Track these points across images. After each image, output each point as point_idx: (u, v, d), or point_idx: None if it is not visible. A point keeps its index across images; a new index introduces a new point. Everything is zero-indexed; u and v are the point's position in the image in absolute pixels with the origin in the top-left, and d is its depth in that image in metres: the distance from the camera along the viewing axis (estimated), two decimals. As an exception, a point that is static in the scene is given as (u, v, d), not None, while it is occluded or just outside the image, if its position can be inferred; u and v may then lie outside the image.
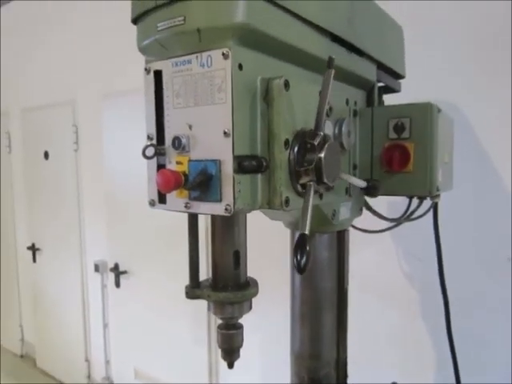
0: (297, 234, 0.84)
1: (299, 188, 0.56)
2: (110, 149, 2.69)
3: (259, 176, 0.53)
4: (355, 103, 0.77)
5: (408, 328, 1.51)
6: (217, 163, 0.50)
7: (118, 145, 2.61)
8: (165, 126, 0.55)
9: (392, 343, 1.55)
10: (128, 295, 2.71)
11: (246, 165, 0.50)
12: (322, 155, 0.53)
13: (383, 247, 1.49)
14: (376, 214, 0.96)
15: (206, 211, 0.52)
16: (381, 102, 0.94)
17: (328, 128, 0.63)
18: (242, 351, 0.69)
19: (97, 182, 2.82)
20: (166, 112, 0.55)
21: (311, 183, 0.55)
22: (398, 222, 0.97)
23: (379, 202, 0.99)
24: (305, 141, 0.54)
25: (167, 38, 0.52)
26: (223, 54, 0.49)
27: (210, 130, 0.51)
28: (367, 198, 0.93)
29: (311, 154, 0.53)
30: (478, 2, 1.36)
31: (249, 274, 0.68)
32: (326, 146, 0.54)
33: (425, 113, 0.74)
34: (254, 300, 0.67)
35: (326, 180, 0.54)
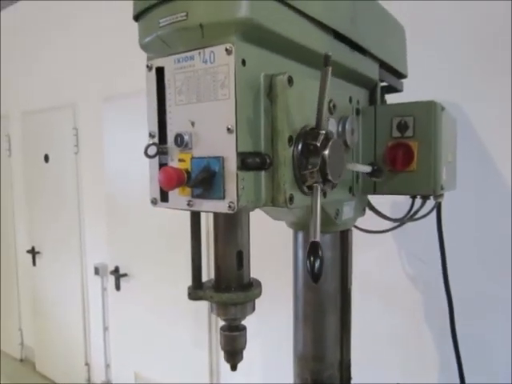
0: (299, 234, 0.84)
1: (304, 187, 0.55)
2: (110, 151, 2.69)
3: (263, 173, 0.52)
4: (358, 102, 0.77)
5: (410, 329, 1.50)
6: (220, 160, 0.49)
7: (119, 147, 2.61)
8: (167, 123, 0.54)
9: (394, 344, 1.54)
10: (128, 298, 2.70)
11: (249, 161, 0.49)
12: (327, 155, 0.53)
13: (385, 248, 1.48)
14: (379, 214, 0.95)
15: (209, 209, 0.51)
16: (383, 101, 0.94)
17: (331, 126, 0.63)
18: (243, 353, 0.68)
19: (97, 185, 2.81)
20: (168, 109, 0.54)
21: (317, 185, 0.54)
22: (401, 222, 0.96)
23: (382, 203, 0.98)
24: (307, 143, 0.53)
25: (169, 34, 0.52)
26: (226, 49, 0.48)
27: (213, 127, 0.50)
28: (370, 198, 0.92)
29: (315, 158, 0.53)
30: (477, 2, 1.36)
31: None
32: (330, 144, 0.53)
33: (429, 111, 0.74)
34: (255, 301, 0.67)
35: (330, 178, 0.53)
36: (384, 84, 0.93)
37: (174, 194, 0.54)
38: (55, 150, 3.14)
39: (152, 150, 0.54)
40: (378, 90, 0.86)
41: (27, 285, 3.59)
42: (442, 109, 0.75)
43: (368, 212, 0.90)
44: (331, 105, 0.62)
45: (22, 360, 3.80)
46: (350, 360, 0.86)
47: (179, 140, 0.52)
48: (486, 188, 1.38)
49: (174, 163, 0.53)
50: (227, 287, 0.64)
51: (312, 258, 0.48)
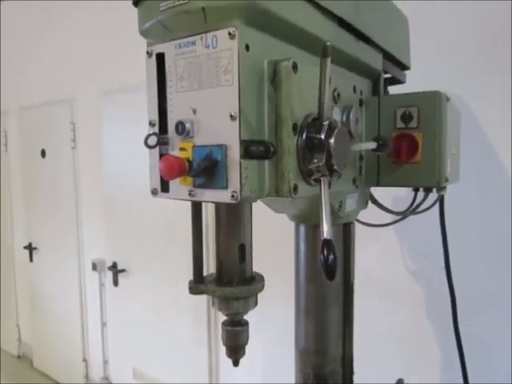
0: (301, 227, 0.82)
1: (308, 177, 0.54)
2: (108, 146, 2.66)
3: (266, 162, 0.51)
4: (361, 92, 0.76)
5: (411, 325, 1.49)
6: (223, 148, 0.48)
7: (117, 142, 2.59)
8: (168, 111, 0.53)
9: (395, 341, 1.53)
10: (126, 294, 2.69)
11: (253, 150, 0.48)
12: (332, 147, 0.51)
13: (387, 243, 1.47)
14: (381, 207, 0.94)
15: (212, 199, 0.50)
16: (386, 93, 0.92)
17: (336, 114, 0.61)
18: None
19: (95, 180, 2.79)
20: (168, 96, 0.53)
21: (324, 178, 0.53)
22: (403, 215, 0.95)
23: (383, 197, 0.97)
24: (311, 136, 0.52)
25: (170, 18, 0.50)
26: (229, 33, 0.47)
27: (216, 114, 0.48)
28: (372, 191, 0.91)
29: (320, 152, 0.52)
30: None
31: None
32: (335, 134, 0.52)
33: (433, 101, 0.73)
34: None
35: (336, 168, 0.52)
36: (387, 76, 0.92)
37: (174, 184, 0.53)
38: (52, 145, 3.12)
39: (152, 140, 0.52)
40: (382, 81, 0.85)
41: (24, 281, 3.57)
42: (447, 99, 0.74)
43: (369, 207, 0.89)
44: (335, 93, 0.61)
45: (19, 357, 3.79)
46: (352, 355, 0.85)
47: (180, 128, 0.50)
48: (487, 184, 1.36)
49: (174, 152, 0.52)
50: (229, 281, 0.62)
51: (326, 257, 0.47)
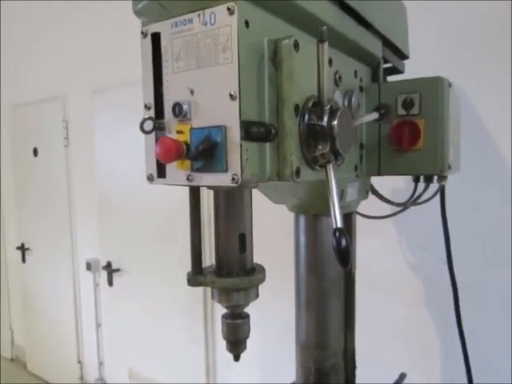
0: (301, 218, 0.80)
1: (313, 163, 0.52)
2: (101, 144, 2.63)
3: (267, 145, 0.49)
4: (361, 80, 0.74)
5: (411, 319, 1.48)
6: (222, 129, 0.46)
7: (110, 139, 2.55)
8: (164, 92, 0.51)
9: (395, 334, 1.52)
10: (121, 294, 2.65)
11: (253, 131, 0.46)
12: (335, 132, 0.50)
13: (386, 236, 1.46)
14: (382, 198, 0.92)
15: (211, 183, 0.47)
16: (385, 81, 0.91)
17: (337, 99, 0.59)
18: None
19: (88, 178, 2.75)
20: (164, 78, 0.50)
21: (330, 164, 0.51)
22: (404, 206, 0.93)
23: (382, 190, 0.95)
24: (313, 123, 0.50)
25: (166, -5, 0.48)
26: (228, 8, 0.45)
27: (215, 94, 0.46)
28: (372, 181, 0.89)
29: (324, 141, 0.50)
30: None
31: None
32: (337, 116, 0.50)
33: (435, 87, 0.71)
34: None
35: (341, 151, 0.50)
36: (386, 66, 0.90)
37: (171, 169, 0.50)
38: (44, 144, 3.07)
39: (148, 125, 0.50)
40: (381, 69, 0.83)
41: (17, 283, 3.52)
42: (450, 85, 0.73)
43: (367, 200, 0.87)
44: (337, 76, 0.59)
45: (12, 359, 3.73)
46: (354, 348, 0.83)
47: (177, 109, 0.48)
48: (486, 175, 1.35)
49: (171, 135, 0.50)
50: (229, 272, 0.60)
51: (339, 245, 0.45)
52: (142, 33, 0.52)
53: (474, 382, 1.02)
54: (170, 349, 2.42)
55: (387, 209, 1.02)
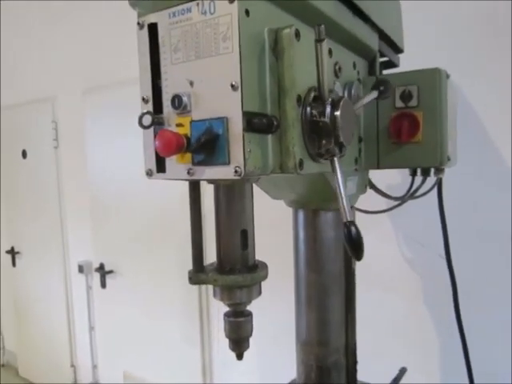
0: (300, 213, 0.80)
1: (315, 154, 0.51)
2: (92, 145, 2.59)
3: (270, 137, 0.48)
4: (358, 72, 0.73)
5: (410, 314, 1.48)
6: (224, 121, 0.45)
7: (101, 140, 2.52)
8: (162, 85, 0.49)
9: (393, 330, 1.51)
10: (115, 296, 2.62)
11: (255, 122, 0.45)
12: (339, 123, 0.49)
13: (382, 231, 1.46)
14: (379, 192, 0.92)
15: (213, 176, 0.46)
16: (381, 74, 0.91)
17: (338, 90, 0.59)
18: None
19: (79, 180, 2.71)
20: (163, 69, 0.49)
21: (335, 157, 0.50)
22: (401, 200, 0.93)
23: (379, 184, 0.95)
24: (315, 120, 0.49)
25: (163, -16, 0.47)
26: (228, -4, 0.43)
27: (215, 85, 0.45)
28: (370, 175, 0.89)
29: (328, 137, 0.49)
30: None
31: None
32: (340, 106, 0.49)
33: (433, 79, 0.71)
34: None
35: (345, 143, 0.50)
36: (381, 60, 0.90)
37: (171, 163, 0.49)
38: (33, 145, 3.02)
39: (147, 120, 0.49)
40: (378, 62, 0.83)
41: (7, 287, 3.46)
42: (448, 76, 0.72)
43: (364, 195, 0.87)
44: (337, 67, 0.58)
45: (3, 365, 3.66)
46: (355, 344, 0.82)
47: (177, 102, 0.47)
48: (485, 170, 1.35)
49: (171, 129, 0.48)
50: (231, 269, 0.59)
51: (351, 238, 0.45)
52: (139, 24, 0.50)
53: (475, 379, 1.02)
54: (165, 350, 2.40)
55: (384, 203, 1.01)
